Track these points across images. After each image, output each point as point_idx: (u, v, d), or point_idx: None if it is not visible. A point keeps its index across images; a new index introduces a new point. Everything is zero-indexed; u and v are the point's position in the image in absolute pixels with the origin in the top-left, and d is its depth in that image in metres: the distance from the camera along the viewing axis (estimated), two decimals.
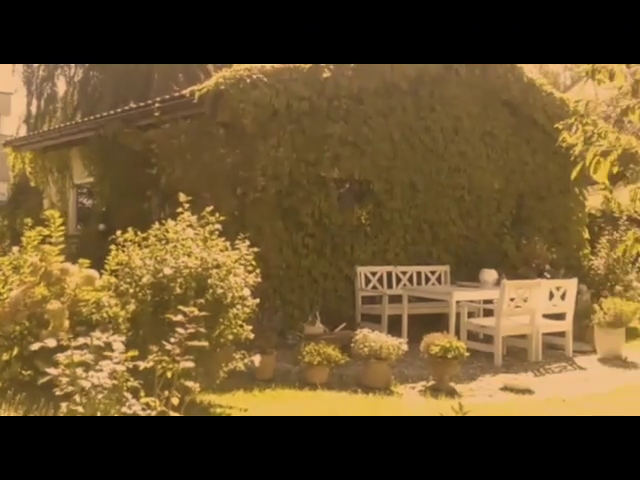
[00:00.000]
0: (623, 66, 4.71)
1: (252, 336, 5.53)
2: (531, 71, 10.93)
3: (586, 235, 11.56)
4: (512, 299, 7.82)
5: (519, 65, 10.06)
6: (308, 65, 8.18)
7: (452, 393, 6.37)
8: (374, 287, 9.08)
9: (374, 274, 9.15)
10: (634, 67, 4.65)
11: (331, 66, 8.31)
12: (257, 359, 6.46)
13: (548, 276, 9.43)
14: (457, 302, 8.15)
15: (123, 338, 3.61)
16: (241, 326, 5.45)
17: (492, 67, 9.75)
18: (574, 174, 4.06)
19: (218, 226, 5.53)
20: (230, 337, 5.39)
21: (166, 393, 3.47)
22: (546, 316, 8.27)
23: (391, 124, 9.17)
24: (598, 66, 5.02)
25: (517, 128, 10.44)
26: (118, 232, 5.49)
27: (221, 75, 7.87)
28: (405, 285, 9.28)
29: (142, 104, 9.70)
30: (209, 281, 5.19)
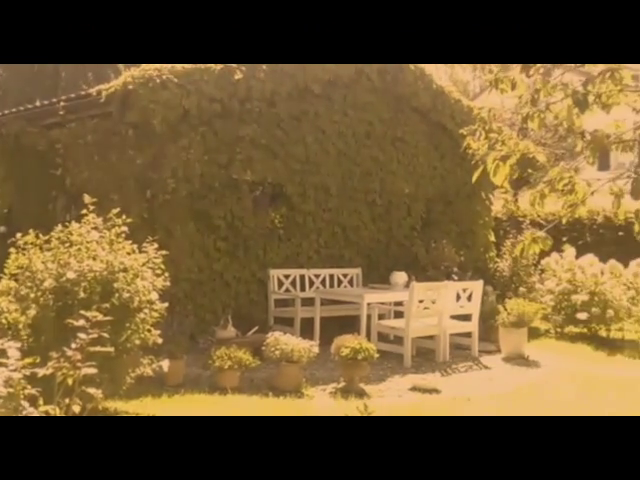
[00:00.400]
0: (523, 75, 4.91)
1: (160, 341, 5.42)
2: (440, 78, 11.24)
3: (492, 238, 11.96)
4: (421, 301, 8.01)
5: (428, 72, 10.33)
6: (220, 66, 8.11)
7: (362, 394, 6.45)
8: (287, 290, 9.10)
9: (287, 277, 9.17)
10: (534, 77, 4.85)
11: (243, 67, 8.27)
12: (166, 364, 6.38)
13: (456, 278, 9.71)
14: (368, 304, 8.27)
15: (19, 344, 3.46)
16: (149, 331, 5.32)
17: (402, 74, 9.97)
18: (475, 177, 4.20)
19: (125, 228, 5.39)
20: (137, 342, 5.26)
21: (67, 401, 3.36)
22: (453, 317, 8.51)
23: (304, 128, 9.22)
24: (501, 75, 5.21)
25: (427, 134, 10.71)
26: (19, 234, 5.27)
27: (129, 74, 7.70)
28: (318, 288, 9.34)
29: (46, 102, 9.36)
30: (115, 285, 5.05)
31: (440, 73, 25.39)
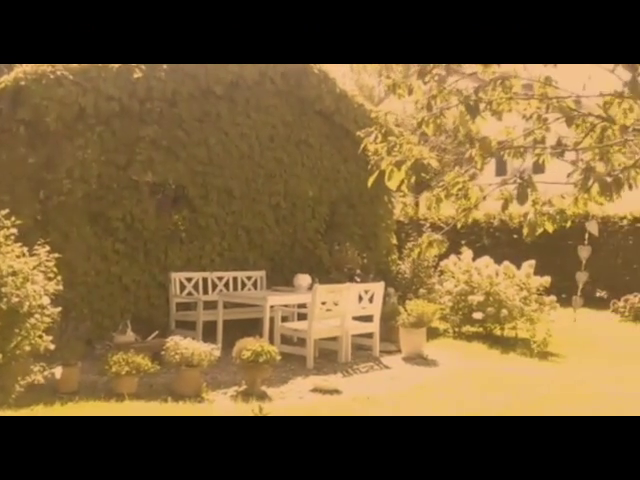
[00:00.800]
0: (420, 82, 5.03)
1: (53, 347, 5.22)
2: (345, 84, 11.38)
3: (394, 241, 12.21)
4: (323, 303, 8.07)
5: (332, 76, 10.42)
6: (117, 64, 7.89)
7: (263, 397, 6.43)
8: (189, 293, 8.96)
9: (189, 280, 9.03)
10: (430, 84, 4.98)
11: (142, 67, 8.09)
12: (58, 371, 6.14)
13: (358, 280, 9.85)
14: (271, 307, 8.26)
15: None
16: (40, 337, 5.12)
17: (306, 77, 10.02)
18: (370, 181, 4.28)
19: (14, 230, 5.16)
20: (28, 348, 5.05)
21: None
22: (356, 318, 8.63)
23: (207, 129, 9.11)
24: (398, 81, 5.32)
25: (330, 137, 10.81)
26: None
27: (21, 70, 7.38)
28: (221, 291, 9.25)
29: None
30: (3, 290, 4.83)
31: (346, 78, 25.75)
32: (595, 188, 4.03)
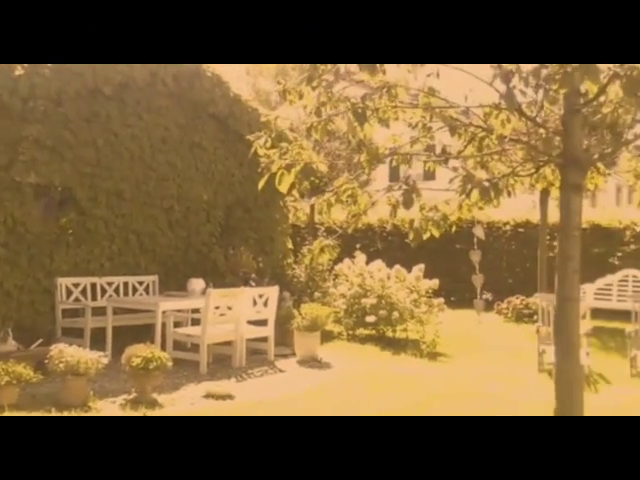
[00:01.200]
0: (309, 88, 5.09)
1: None
2: (239, 88, 11.33)
3: (290, 245, 12.27)
4: (217, 307, 8.01)
5: (225, 80, 10.35)
6: None
7: (154, 404, 6.30)
8: (77, 299, 8.65)
9: (77, 286, 8.72)
10: (318, 90, 5.05)
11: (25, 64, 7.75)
12: None
13: (253, 284, 9.84)
14: (163, 312, 8.11)
15: None
16: None
17: (199, 80, 9.89)
18: (260, 185, 4.29)
19: None
20: None
21: None
22: (251, 322, 8.61)
23: (95, 129, 8.83)
24: (288, 87, 5.36)
25: (225, 141, 10.73)
26: None
27: None
28: (111, 296, 9.00)
29: None
30: None
31: (242, 82, 25.66)
32: (475, 194, 4.21)
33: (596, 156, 5.49)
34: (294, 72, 25.04)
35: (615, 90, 4.77)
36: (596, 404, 6.39)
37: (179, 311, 8.69)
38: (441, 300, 10.47)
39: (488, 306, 13.39)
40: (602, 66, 4.52)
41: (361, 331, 10.43)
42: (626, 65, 4.03)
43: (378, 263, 10.84)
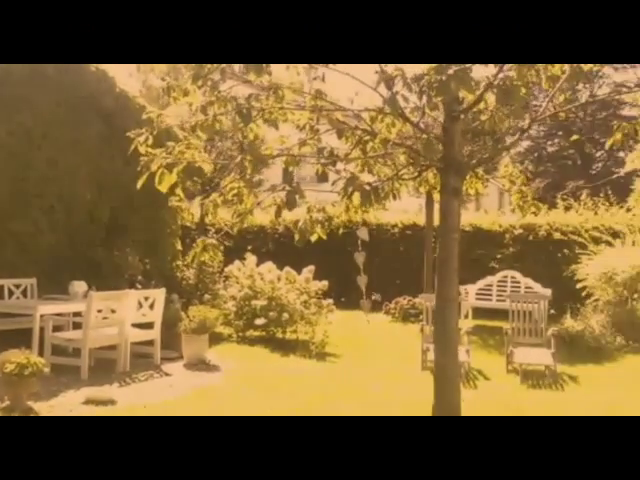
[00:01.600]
0: (195, 86, 5.01)
1: None
2: (126, 84, 10.99)
3: (179, 247, 12.02)
4: (100, 310, 7.73)
5: (111, 75, 10.01)
6: None
7: (28, 412, 5.99)
8: None
9: None
10: (204, 88, 4.97)
11: None
12: None
13: (140, 287, 9.58)
14: (42, 316, 7.74)
15: None
16: None
17: (83, 75, 9.50)
18: (139, 184, 4.18)
19: None
20: None
21: None
22: (136, 325, 8.37)
23: None
24: (173, 85, 5.25)
25: (110, 138, 10.34)
26: None
27: None
28: None
29: None
30: None
31: (132, 79, 24.96)
32: (357, 196, 4.28)
33: (474, 161, 5.72)
34: (186, 70, 24.59)
35: (492, 99, 5.00)
36: (474, 399, 6.68)
37: (60, 315, 8.32)
38: (330, 301, 10.59)
39: (377, 306, 13.68)
40: (479, 75, 4.72)
41: (251, 333, 10.38)
42: (500, 75, 4.23)
43: (269, 265, 10.84)
